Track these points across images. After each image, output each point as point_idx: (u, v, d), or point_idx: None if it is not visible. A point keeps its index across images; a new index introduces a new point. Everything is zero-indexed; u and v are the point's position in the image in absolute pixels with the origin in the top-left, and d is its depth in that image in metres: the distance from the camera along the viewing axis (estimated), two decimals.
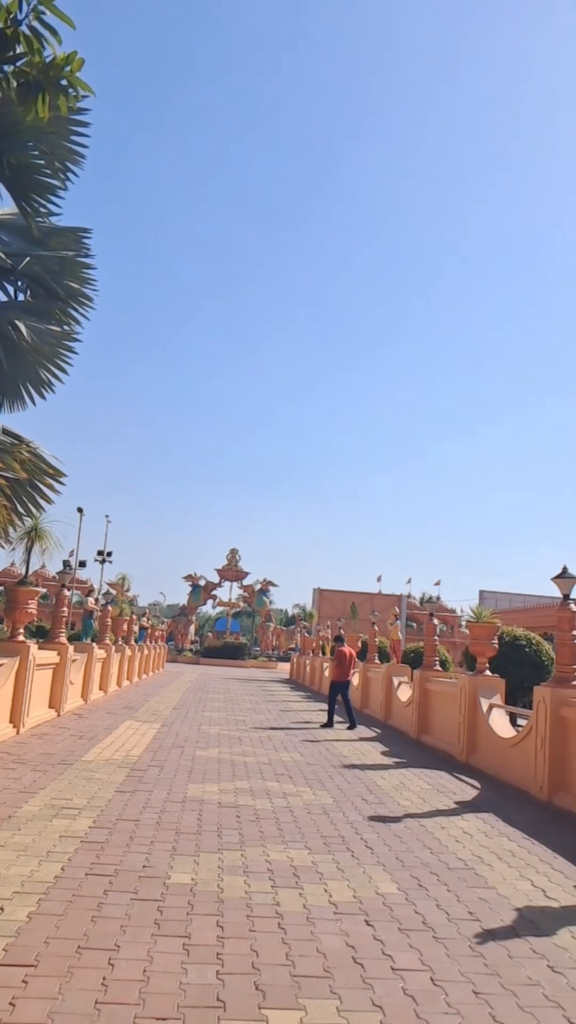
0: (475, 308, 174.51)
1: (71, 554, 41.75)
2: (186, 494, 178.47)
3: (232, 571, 62.19)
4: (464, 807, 8.15)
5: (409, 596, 66.73)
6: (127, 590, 43.76)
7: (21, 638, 11.22)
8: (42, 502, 10.09)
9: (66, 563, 37.79)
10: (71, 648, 14.20)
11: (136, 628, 28.96)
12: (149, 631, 34.46)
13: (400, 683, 16.77)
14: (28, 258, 9.77)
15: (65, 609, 14.70)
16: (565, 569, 9.46)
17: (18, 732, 10.85)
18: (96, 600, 36.09)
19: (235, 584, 62.90)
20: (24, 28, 4.99)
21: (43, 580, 45.68)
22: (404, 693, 16.04)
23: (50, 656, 12.92)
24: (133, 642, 26.08)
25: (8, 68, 5.23)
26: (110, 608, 22.27)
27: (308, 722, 16.05)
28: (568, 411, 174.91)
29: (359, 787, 8.78)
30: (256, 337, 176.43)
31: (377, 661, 20.82)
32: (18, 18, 4.96)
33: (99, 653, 18.03)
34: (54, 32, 5.00)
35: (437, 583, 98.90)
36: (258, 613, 63.76)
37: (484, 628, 12.22)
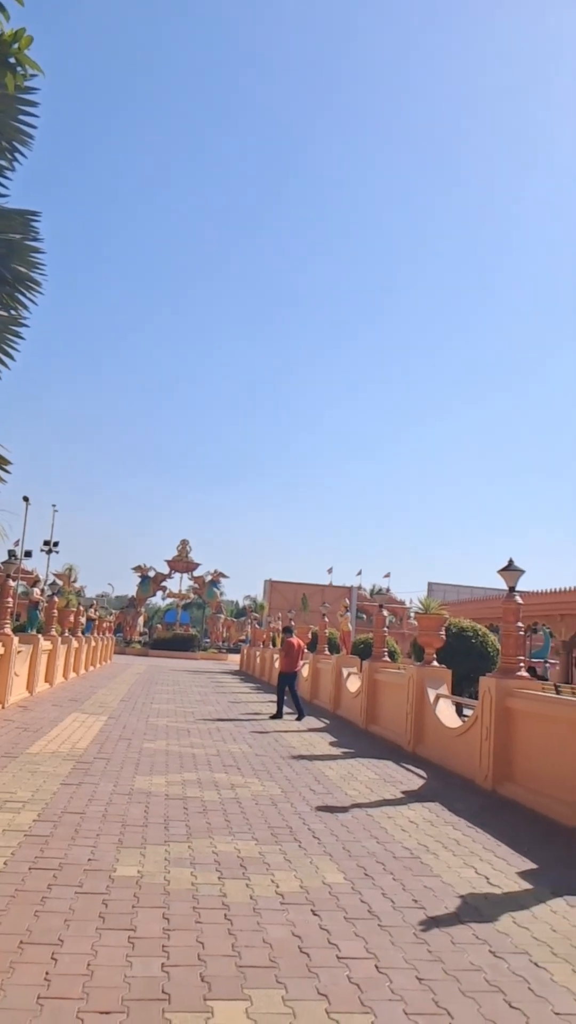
0: (432, 306, 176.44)
1: (16, 544, 41.07)
2: (136, 484, 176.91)
3: (182, 562, 61.82)
4: (410, 797, 8.25)
5: (360, 588, 67.20)
6: (74, 581, 43.26)
7: None
8: None
9: (11, 553, 37.11)
10: (16, 639, 13.96)
11: (83, 620, 28.60)
12: (97, 623, 34.06)
13: (349, 674, 16.89)
14: None
15: (10, 600, 14.43)
16: (511, 562, 9.61)
17: None
18: (42, 591, 35.58)
19: (185, 575, 62.54)
20: None
21: None
22: (353, 684, 16.16)
23: None
24: (80, 634, 25.76)
25: None
26: (56, 599, 21.94)
27: (257, 713, 16.07)
28: (513, 406, 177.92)
29: (307, 777, 8.82)
30: (207, 328, 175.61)
31: (327, 652, 20.94)
32: None
33: (45, 645, 17.77)
34: (2, 9, 4.87)
35: (387, 575, 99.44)
36: (208, 605, 63.54)
37: (432, 619, 12.37)
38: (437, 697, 11.35)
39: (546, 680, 28.42)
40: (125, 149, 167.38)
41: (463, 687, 16.29)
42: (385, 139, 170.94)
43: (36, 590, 38.65)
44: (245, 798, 7.53)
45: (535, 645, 43.34)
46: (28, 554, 46.32)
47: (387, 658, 14.78)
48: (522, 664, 9.36)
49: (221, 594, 64.29)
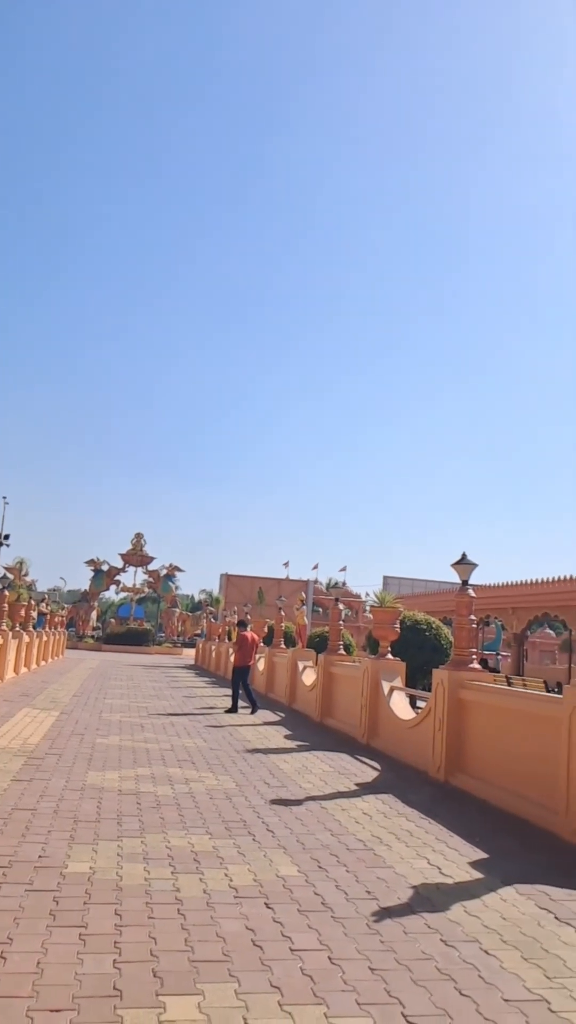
0: (396, 302, 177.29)
1: None
2: (89, 478, 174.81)
3: (137, 556, 61.21)
4: (364, 789, 8.31)
5: (316, 582, 67.43)
6: (25, 575, 42.49)
7: None
8: None
9: None
10: None
11: (34, 614, 28.22)
12: (48, 617, 33.66)
13: (305, 667, 16.94)
14: None
15: None
16: (464, 556, 9.72)
17: None
18: None
19: (140, 569, 61.92)
20: None
21: None
22: (309, 677, 16.21)
23: None
24: (31, 628, 25.40)
25: None
26: (7, 593, 21.58)
27: (212, 708, 16.02)
28: (468, 401, 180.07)
29: (262, 771, 8.82)
30: (164, 325, 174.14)
31: (283, 646, 20.97)
32: None
33: None
34: None
35: (343, 569, 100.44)
36: (163, 599, 63.05)
37: (387, 613, 12.47)
38: (391, 689, 11.44)
39: (498, 672, 28.89)
40: (85, 152, 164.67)
41: (417, 679, 16.44)
42: (345, 126, 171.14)
43: None
44: (199, 792, 7.50)
45: (487, 638, 44.02)
46: None
47: (343, 651, 14.86)
48: (474, 656, 9.48)
49: (176, 588, 63.82)
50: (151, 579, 61.97)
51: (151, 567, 61.80)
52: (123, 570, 61.78)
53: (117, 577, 62.03)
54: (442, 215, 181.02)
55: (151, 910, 4.30)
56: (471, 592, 9.61)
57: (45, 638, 28.16)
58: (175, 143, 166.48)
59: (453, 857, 5.80)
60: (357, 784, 8.53)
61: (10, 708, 13.22)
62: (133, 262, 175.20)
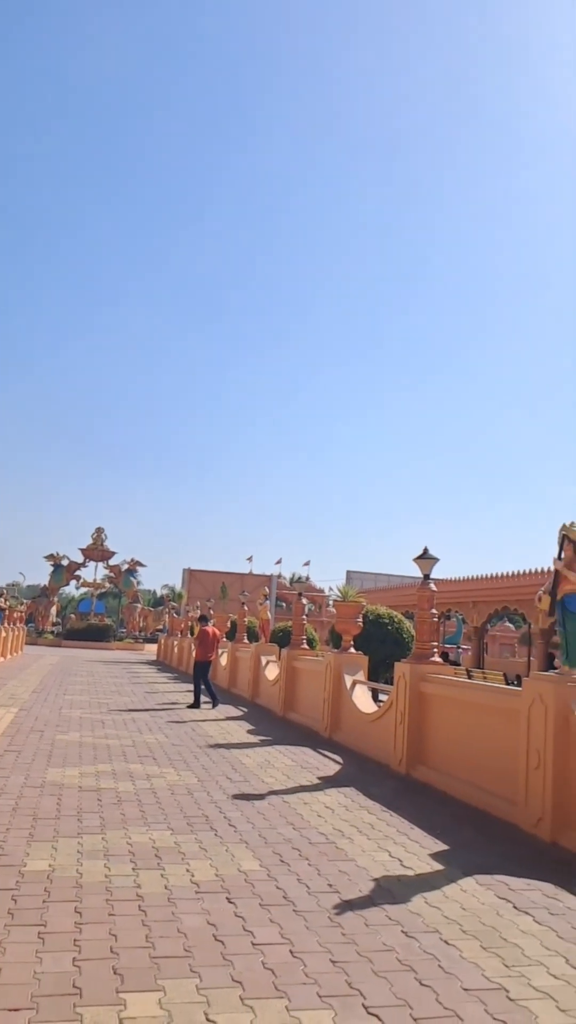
0: (354, 303, 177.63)
1: None
2: (49, 472, 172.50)
3: (98, 551, 60.65)
4: (327, 782, 8.33)
5: (279, 576, 67.40)
6: None
7: None
8: None
9: None
10: None
11: None
12: (7, 612, 33.19)
13: (268, 662, 16.94)
14: None
15: None
16: (426, 550, 9.79)
17: None
18: None
19: (101, 564, 61.38)
20: None
21: None
22: (272, 672, 16.22)
23: None
24: None
25: None
26: None
27: (174, 703, 15.95)
28: (431, 398, 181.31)
29: (224, 766, 8.80)
30: (132, 316, 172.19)
31: (246, 641, 20.95)
32: None
33: None
34: None
35: (307, 564, 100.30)
36: (125, 594, 62.61)
37: (350, 607, 12.52)
38: (354, 683, 11.49)
39: (458, 665, 29.20)
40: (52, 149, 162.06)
41: (379, 673, 16.53)
42: (319, 130, 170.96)
43: None
44: (161, 788, 7.45)
45: (448, 631, 44.46)
46: None
47: (306, 646, 14.89)
48: (435, 649, 9.57)
49: (138, 583, 63.40)
50: (112, 574, 61.46)
51: (112, 562, 61.30)
52: (84, 565, 61.18)
53: (77, 572, 61.41)
54: (408, 219, 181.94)
55: (111, 907, 4.27)
56: (432, 586, 9.69)
57: (3, 634, 27.77)
58: (148, 146, 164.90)
59: (414, 849, 5.85)
60: (320, 778, 8.55)
61: None
62: (97, 258, 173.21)
